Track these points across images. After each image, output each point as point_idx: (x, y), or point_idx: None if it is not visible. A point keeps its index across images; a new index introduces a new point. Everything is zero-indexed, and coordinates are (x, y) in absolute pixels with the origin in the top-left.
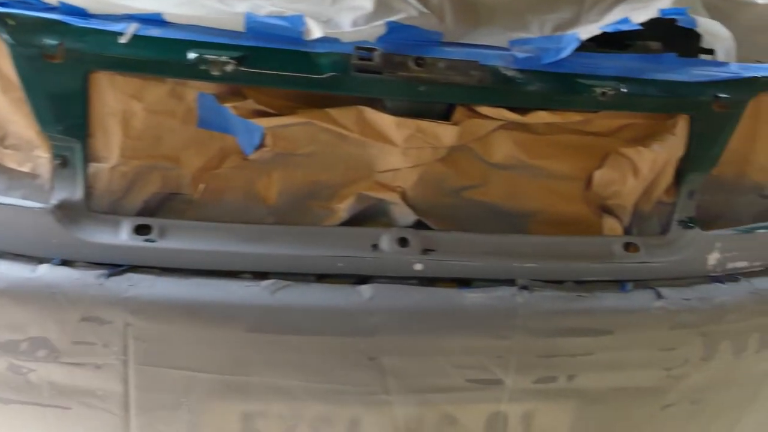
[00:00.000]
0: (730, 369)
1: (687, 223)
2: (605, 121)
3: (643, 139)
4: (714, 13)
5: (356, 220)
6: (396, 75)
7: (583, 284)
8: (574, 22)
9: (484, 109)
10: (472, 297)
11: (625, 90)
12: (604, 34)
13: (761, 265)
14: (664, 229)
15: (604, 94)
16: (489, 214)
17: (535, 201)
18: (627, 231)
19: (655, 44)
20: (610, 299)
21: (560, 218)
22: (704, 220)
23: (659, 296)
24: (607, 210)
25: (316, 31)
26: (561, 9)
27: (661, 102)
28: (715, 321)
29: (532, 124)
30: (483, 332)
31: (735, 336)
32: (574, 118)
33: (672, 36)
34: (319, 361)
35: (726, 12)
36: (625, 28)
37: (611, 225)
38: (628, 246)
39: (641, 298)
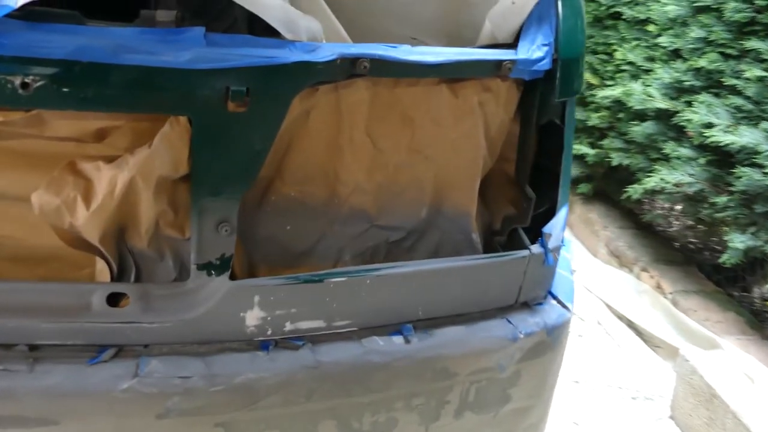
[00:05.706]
0: None
1: (214, 267)
2: (71, 122)
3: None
4: None
5: None
6: None
7: (39, 349)
8: None
9: None
10: None
11: (54, 82)
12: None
13: (348, 325)
14: (183, 275)
15: (25, 86)
16: None
17: None
18: (137, 277)
19: (165, 14)
20: (58, 376)
21: (28, 255)
22: (288, 260)
23: (136, 372)
24: (96, 247)
25: None
26: None
27: (136, 97)
28: (237, 407)
29: None
30: None
31: (286, 425)
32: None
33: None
34: None
35: None
36: None
37: (101, 268)
38: (114, 298)
39: (108, 373)
